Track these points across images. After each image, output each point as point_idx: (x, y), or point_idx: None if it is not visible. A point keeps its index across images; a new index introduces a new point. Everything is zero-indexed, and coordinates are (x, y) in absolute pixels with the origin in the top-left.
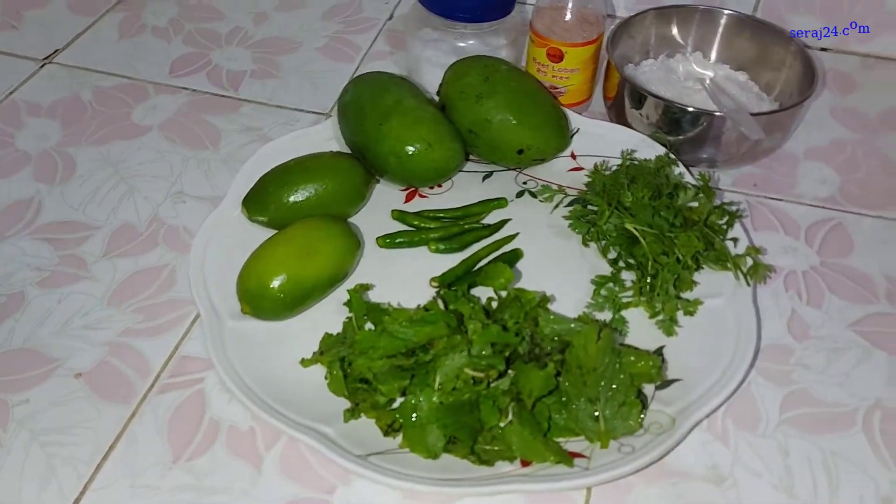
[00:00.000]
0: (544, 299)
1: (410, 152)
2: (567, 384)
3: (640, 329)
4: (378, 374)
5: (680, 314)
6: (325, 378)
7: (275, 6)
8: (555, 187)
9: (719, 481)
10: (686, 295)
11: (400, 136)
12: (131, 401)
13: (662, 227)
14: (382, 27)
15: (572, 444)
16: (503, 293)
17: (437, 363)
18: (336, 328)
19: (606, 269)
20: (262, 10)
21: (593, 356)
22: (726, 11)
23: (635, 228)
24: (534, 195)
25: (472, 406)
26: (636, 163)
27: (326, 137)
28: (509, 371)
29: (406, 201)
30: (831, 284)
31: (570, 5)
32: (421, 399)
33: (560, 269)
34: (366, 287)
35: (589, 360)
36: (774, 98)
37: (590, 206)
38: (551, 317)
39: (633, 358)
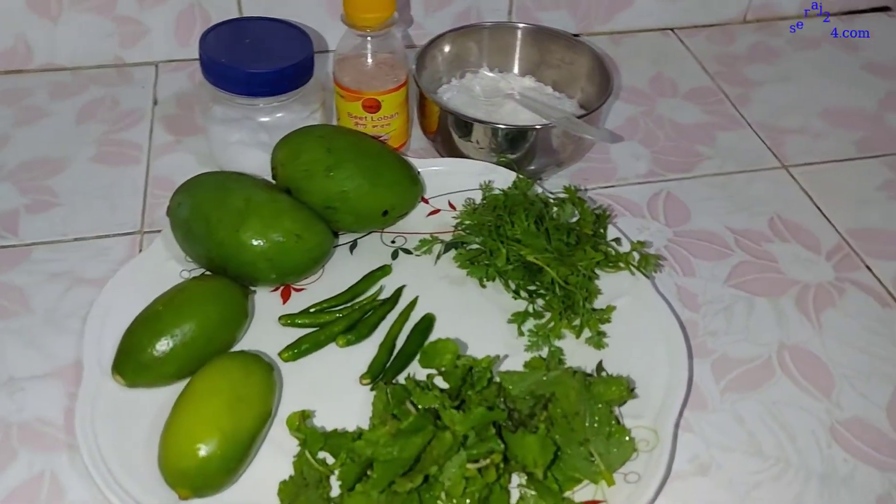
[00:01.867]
0: (492, 360)
1: (280, 249)
2: (557, 436)
3: (570, 353)
4: None
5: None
6: None
7: (11, 124)
8: (427, 237)
9: (705, 470)
10: (595, 304)
11: (264, 235)
12: None
13: (561, 250)
14: (153, 115)
15: (580, 493)
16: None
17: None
18: (277, 472)
19: (512, 305)
20: None
21: (575, 402)
22: (517, 25)
23: (536, 258)
24: (408, 251)
25: (482, 501)
26: (499, 192)
27: (164, 259)
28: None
29: (283, 303)
30: (692, 250)
31: (369, 51)
32: None
33: (472, 319)
34: (306, 415)
35: (572, 406)
36: (572, 96)
37: (469, 247)
38: (514, 377)
39: (602, 386)
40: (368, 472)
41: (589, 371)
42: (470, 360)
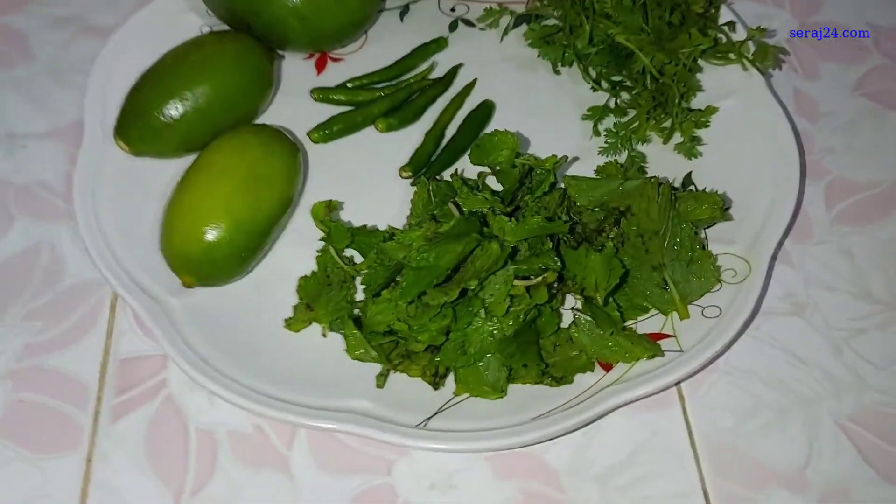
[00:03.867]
0: (558, 162)
1: (316, 7)
2: (626, 258)
3: (657, 158)
4: (412, 321)
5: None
6: (323, 334)
7: None
8: (494, 6)
9: (800, 310)
10: (692, 104)
11: None
12: (80, 442)
13: (661, 30)
14: None
15: (643, 324)
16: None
17: (482, 287)
18: (298, 267)
19: (590, 97)
20: None
21: (655, 218)
22: None
23: (627, 40)
24: (470, 23)
25: (528, 322)
26: None
27: (182, 10)
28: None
29: (318, 73)
30: (819, 48)
31: None
32: (470, 333)
33: (540, 111)
34: (333, 206)
35: (651, 224)
36: None
37: (544, 22)
38: (583, 183)
39: (691, 203)
40: (398, 279)
41: (675, 185)
42: (531, 160)
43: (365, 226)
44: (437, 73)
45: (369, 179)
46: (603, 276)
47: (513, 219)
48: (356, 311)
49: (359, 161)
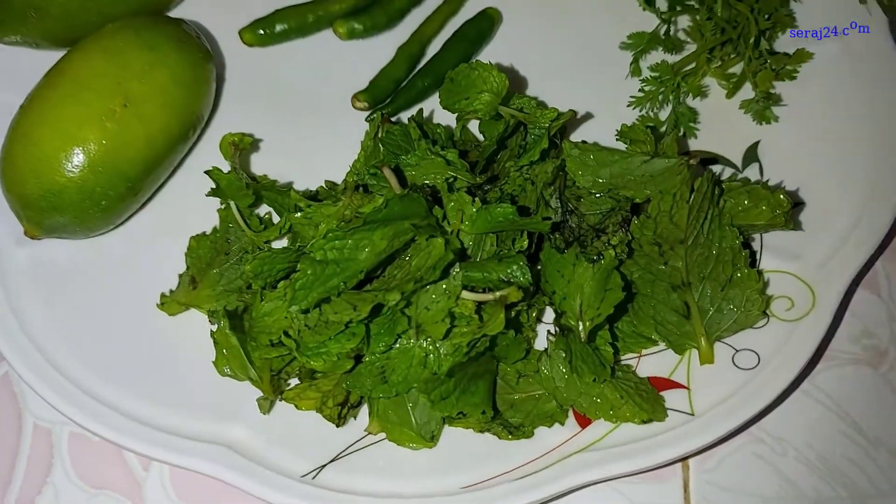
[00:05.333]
0: (562, 116)
1: None
2: (634, 270)
3: (713, 119)
4: (305, 337)
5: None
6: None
7: None
8: None
9: (877, 358)
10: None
11: None
12: None
13: None
14: None
15: (648, 359)
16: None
17: (414, 298)
18: (193, 221)
19: (637, 18)
20: None
21: (682, 223)
22: None
23: None
24: None
25: (475, 356)
26: None
27: None
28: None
29: None
30: None
31: None
32: (394, 356)
33: (561, 30)
34: (246, 141)
35: (675, 232)
36: None
37: None
38: (590, 155)
39: (745, 199)
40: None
41: (728, 162)
42: (525, 107)
43: (275, 181)
44: None
45: (313, 105)
46: (593, 299)
47: (477, 198)
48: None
49: (303, 77)
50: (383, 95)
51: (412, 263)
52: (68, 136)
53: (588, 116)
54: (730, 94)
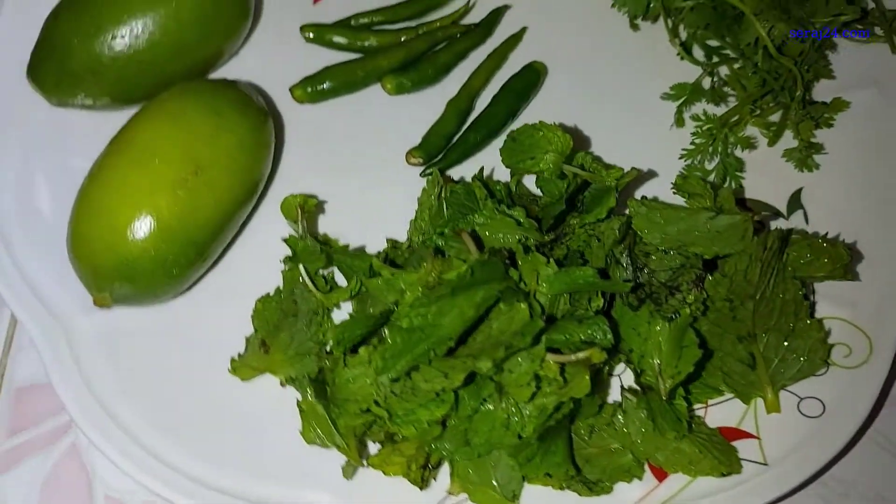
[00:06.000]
0: (626, 175)
1: None
2: (703, 327)
3: (756, 167)
4: (395, 405)
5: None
6: (281, 383)
7: None
8: None
9: None
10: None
11: None
12: None
13: None
14: None
15: (715, 408)
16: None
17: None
18: (257, 283)
19: (677, 68)
20: None
21: (755, 279)
22: None
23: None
24: None
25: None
26: None
27: None
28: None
29: (314, 1)
30: None
31: None
32: (477, 420)
33: (605, 80)
34: (311, 203)
35: (746, 288)
36: None
37: None
38: (657, 213)
39: (806, 252)
40: (383, 334)
41: (775, 211)
42: (586, 164)
43: (358, 249)
44: (473, 17)
45: (367, 161)
46: (670, 358)
47: (552, 259)
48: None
49: (355, 133)
50: (436, 150)
51: (493, 327)
52: (141, 206)
53: (650, 176)
54: (771, 143)
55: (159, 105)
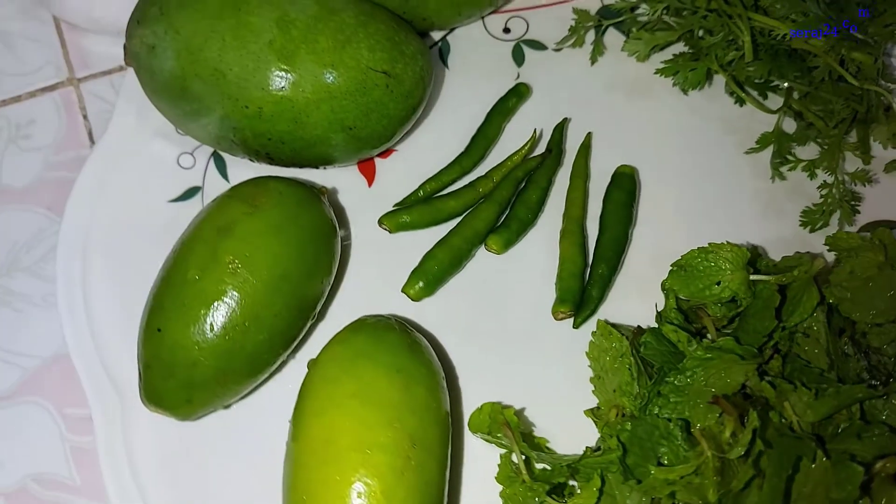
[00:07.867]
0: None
1: (366, 105)
2: None
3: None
4: None
5: None
6: None
7: None
8: (571, 22)
9: None
10: None
11: (335, 91)
12: None
13: (851, 17)
14: None
15: None
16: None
17: None
18: None
19: (739, 115)
20: None
21: None
22: None
23: (806, 41)
24: (539, 45)
25: None
26: None
27: (140, 139)
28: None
29: (369, 183)
30: None
31: None
32: None
33: (673, 154)
34: (511, 419)
35: None
36: None
37: (640, 16)
38: (855, 291)
39: None
40: None
41: None
42: (765, 267)
43: (568, 456)
44: (524, 130)
45: (507, 332)
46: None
47: (812, 387)
48: None
49: (486, 301)
50: (578, 295)
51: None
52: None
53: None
54: (867, 160)
55: (320, 379)
